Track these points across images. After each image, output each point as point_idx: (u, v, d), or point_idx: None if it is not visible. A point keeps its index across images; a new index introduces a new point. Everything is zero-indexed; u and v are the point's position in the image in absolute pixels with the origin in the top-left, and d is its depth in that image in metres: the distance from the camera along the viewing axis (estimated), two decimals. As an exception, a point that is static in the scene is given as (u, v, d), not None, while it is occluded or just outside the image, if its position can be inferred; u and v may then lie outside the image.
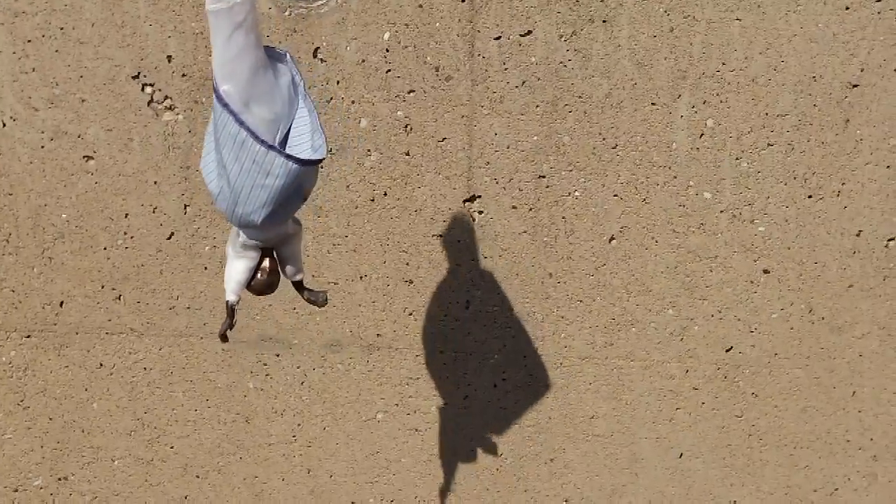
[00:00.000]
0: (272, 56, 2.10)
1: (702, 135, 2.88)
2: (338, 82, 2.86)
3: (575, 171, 2.91)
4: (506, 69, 2.84)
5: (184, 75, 2.86)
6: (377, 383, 3.12)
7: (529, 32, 2.82)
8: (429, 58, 2.84)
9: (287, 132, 2.10)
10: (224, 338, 2.43)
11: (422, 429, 3.16)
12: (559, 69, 2.84)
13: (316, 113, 2.13)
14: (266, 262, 2.31)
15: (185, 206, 2.96)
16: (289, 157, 2.04)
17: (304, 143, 2.09)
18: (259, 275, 2.32)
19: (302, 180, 2.12)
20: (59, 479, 3.23)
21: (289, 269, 2.37)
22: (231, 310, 2.37)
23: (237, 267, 2.31)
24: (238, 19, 1.95)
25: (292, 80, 2.12)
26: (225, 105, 2.01)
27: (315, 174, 2.21)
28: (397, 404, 3.14)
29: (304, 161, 2.05)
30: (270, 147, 2.03)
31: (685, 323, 3.03)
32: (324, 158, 2.10)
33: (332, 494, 3.24)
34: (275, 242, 2.31)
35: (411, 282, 3.02)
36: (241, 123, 2.02)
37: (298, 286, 2.46)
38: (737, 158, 2.89)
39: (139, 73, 2.87)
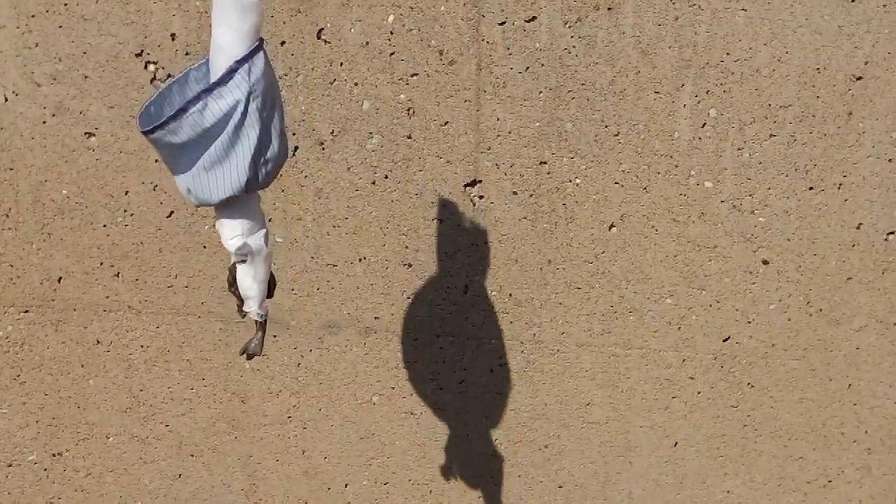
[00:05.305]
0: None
1: (704, 124, 2.88)
2: (341, 64, 2.86)
3: (576, 158, 2.91)
4: (510, 54, 2.84)
5: (187, 54, 2.85)
6: (373, 366, 3.12)
7: (534, 18, 2.81)
8: (433, 41, 2.84)
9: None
10: (239, 310, 2.28)
11: (417, 412, 3.17)
12: (563, 56, 2.84)
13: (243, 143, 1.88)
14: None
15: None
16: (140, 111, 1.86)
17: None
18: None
19: (181, 162, 1.89)
20: (54, 455, 3.24)
21: (240, 290, 2.09)
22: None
23: None
24: None
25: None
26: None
27: (205, 187, 1.92)
28: (393, 387, 3.14)
29: (139, 118, 1.86)
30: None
31: (683, 312, 3.04)
32: (148, 130, 1.84)
33: (326, 476, 3.25)
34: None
35: (410, 265, 3.02)
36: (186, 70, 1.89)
37: (257, 324, 2.16)
38: (739, 149, 2.89)
39: (142, 50, 2.86)
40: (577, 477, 3.23)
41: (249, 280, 2.13)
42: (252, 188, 2.00)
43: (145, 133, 1.94)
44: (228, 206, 2.05)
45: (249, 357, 2.27)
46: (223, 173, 1.96)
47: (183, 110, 1.91)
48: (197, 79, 1.98)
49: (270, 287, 2.23)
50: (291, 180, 2.92)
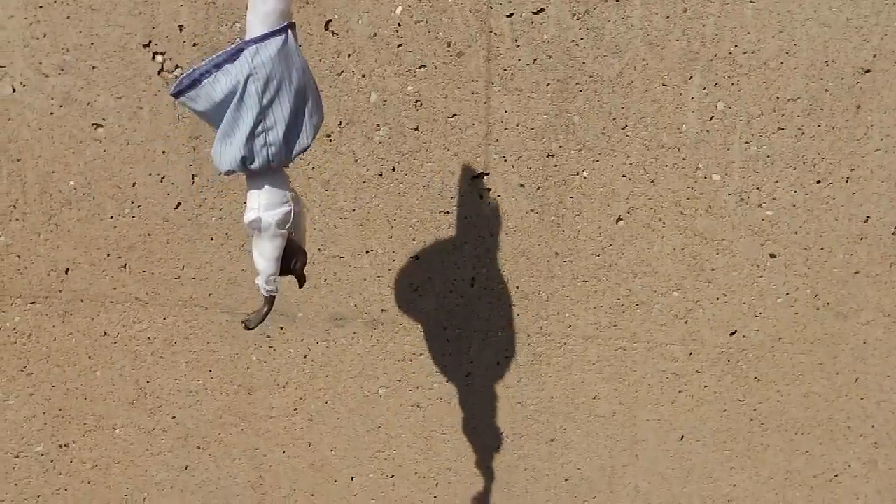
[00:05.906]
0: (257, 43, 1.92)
1: (712, 117, 2.87)
2: (349, 56, 2.86)
3: (584, 151, 2.91)
4: (518, 46, 2.84)
5: (195, 45, 2.86)
6: (380, 358, 3.12)
7: (542, 10, 2.81)
8: (441, 33, 2.83)
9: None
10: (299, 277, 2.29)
11: (423, 405, 3.17)
12: (571, 48, 2.83)
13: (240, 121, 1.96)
14: None
15: (193, 175, 2.96)
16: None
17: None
18: None
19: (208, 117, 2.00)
20: (61, 446, 3.24)
21: (253, 261, 2.16)
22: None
23: None
24: None
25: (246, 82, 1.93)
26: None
27: (217, 155, 2.02)
28: (400, 380, 3.14)
29: (179, 80, 1.94)
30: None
31: (690, 305, 3.03)
32: (175, 94, 1.95)
33: (333, 468, 3.25)
34: None
35: (417, 257, 3.02)
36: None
37: (264, 299, 2.22)
38: (746, 142, 2.88)
39: (150, 41, 2.86)
40: (584, 470, 3.23)
41: (257, 254, 2.16)
42: (247, 166, 2.02)
43: (174, 95, 1.99)
44: (252, 178, 2.08)
45: (246, 328, 2.29)
46: (229, 146, 2.00)
47: (198, 81, 1.95)
48: None
49: (297, 263, 2.25)
50: (299, 172, 2.92)
